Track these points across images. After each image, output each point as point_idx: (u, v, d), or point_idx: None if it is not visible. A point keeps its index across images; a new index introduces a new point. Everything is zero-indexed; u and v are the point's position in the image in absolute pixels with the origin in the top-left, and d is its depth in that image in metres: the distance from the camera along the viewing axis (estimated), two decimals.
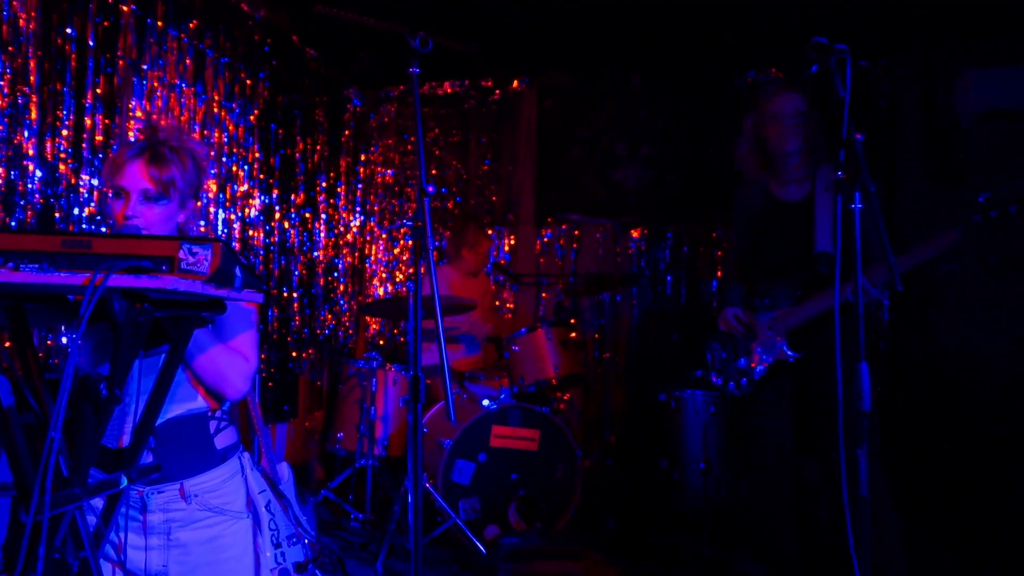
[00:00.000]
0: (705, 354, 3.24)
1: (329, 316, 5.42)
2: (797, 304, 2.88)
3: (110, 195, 1.81)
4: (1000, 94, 4.61)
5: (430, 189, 1.91)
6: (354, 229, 5.84)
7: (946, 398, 4.49)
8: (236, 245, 4.27)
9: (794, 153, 2.89)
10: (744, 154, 3.00)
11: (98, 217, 3.24)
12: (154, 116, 3.58)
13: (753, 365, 2.98)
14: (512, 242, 5.88)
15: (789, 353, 2.89)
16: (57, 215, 3.07)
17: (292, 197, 4.93)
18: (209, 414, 1.84)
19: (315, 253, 5.23)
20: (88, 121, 3.21)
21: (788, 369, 2.92)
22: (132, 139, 3.36)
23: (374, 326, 5.92)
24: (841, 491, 1.92)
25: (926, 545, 3.69)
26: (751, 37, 4.89)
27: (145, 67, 3.53)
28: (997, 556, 3.67)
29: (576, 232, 5.75)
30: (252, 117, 4.42)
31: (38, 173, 2.98)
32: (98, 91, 3.25)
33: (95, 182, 3.24)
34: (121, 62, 3.39)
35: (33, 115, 2.94)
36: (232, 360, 1.77)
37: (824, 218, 2.85)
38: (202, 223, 2.00)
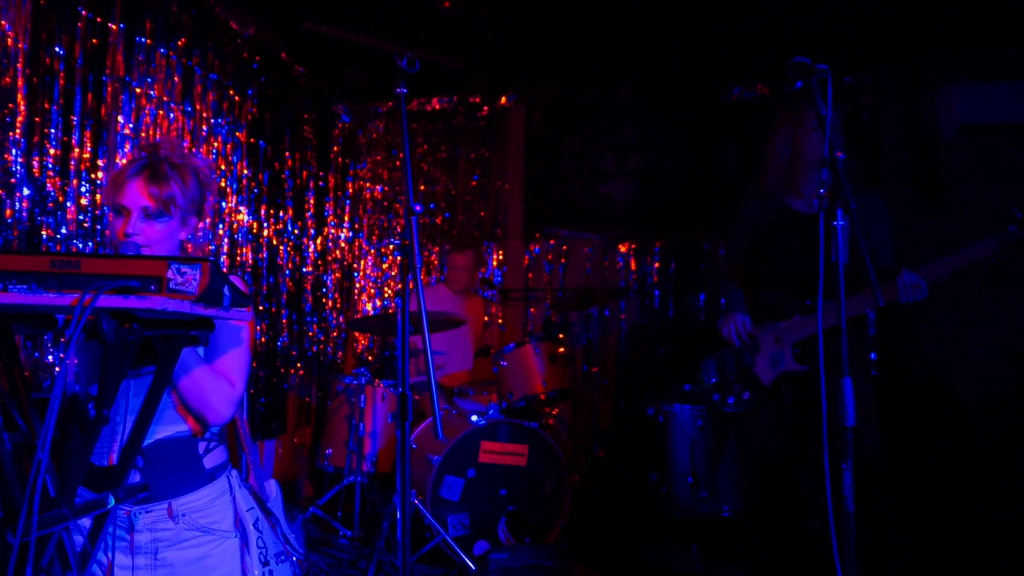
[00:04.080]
0: (701, 371, 3.14)
1: (317, 332, 5.42)
2: (807, 315, 2.81)
3: (112, 213, 1.82)
4: (981, 108, 4.69)
5: (418, 208, 1.92)
6: (343, 245, 5.85)
7: (934, 407, 4.53)
8: (224, 261, 4.27)
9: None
10: (777, 170, 2.91)
11: (84, 238, 3.24)
12: (143, 133, 3.59)
13: (757, 379, 2.90)
14: (500, 257, 5.90)
15: (797, 366, 2.81)
16: (45, 233, 3.07)
17: (280, 213, 4.93)
18: (198, 436, 1.83)
19: (304, 269, 5.23)
20: (76, 139, 3.22)
21: (791, 382, 2.85)
22: (120, 156, 3.37)
23: (363, 342, 5.92)
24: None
25: (914, 548, 3.71)
26: (738, 51, 4.95)
27: (134, 84, 3.54)
28: (983, 559, 3.70)
29: (564, 247, 5.77)
30: (240, 133, 4.43)
31: (25, 191, 2.98)
32: (87, 109, 3.26)
33: (83, 200, 3.24)
34: (109, 80, 3.40)
35: (20, 133, 2.95)
36: (217, 385, 1.77)
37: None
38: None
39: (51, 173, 3.10)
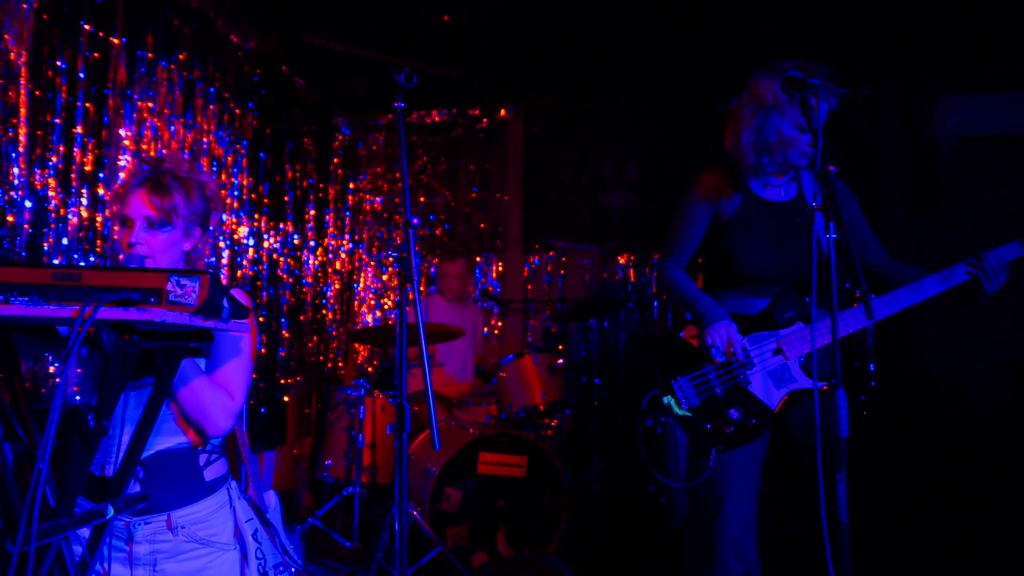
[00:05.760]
0: (674, 392, 2.59)
1: (317, 343, 5.43)
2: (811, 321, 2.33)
3: (116, 224, 1.86)
4: (978, 119, 4.70)
5: (415, 221, 1.94)
6: (343, 256, 5.87)
7: (930, 417, 4.54)
8: (224, 273, 4.29)
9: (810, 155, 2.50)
10: (744, 146, 2.55)
11: (86, 250, 3.26)
12: (144, 146, 3.61)
13: (759, 402, 2.44)
14: (500, 269, 5.91)
15: (811, 382, 2.33)
16: (46, 246, 3.09)
17: (281, 225, 4.95)
18: (199, 448, 1.84)
19: (304, 280, 5.25)
20: (78, 152, 3.24)
21: (802, 398, 2.46)
22: (122, 169, 3.40)
23: (363, 353, 5.93)
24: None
25: (912, 549, 3.72)
26: (736, 62, 4.97)
27: (135, 97, 3.56)
28: (981, 561, 3.70)
29: (563, 258, 5.79)
30: (241, 146, 4.45)
31: (27, 204, 3.00)
32: (88, 122, 3.28)
33: (85, 213, 3.26)
34: (111, 93, 3.42)
35: (23, 147, 2.97)
36: (216, 397, 1.78)
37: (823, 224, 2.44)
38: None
39: (53, 185, 3.12)
